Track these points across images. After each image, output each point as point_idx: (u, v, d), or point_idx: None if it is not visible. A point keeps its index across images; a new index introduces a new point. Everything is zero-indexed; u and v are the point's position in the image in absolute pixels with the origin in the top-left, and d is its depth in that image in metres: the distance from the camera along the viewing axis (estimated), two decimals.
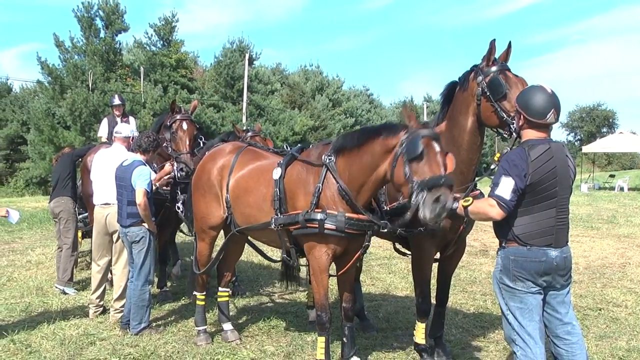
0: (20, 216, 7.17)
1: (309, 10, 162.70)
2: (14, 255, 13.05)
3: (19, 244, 14.95)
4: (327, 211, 5.39)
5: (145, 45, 44.36)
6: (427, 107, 67.75)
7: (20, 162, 45.00)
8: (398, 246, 6.55)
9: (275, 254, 7.71)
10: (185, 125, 8.47)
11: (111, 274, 8.29)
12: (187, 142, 8.39)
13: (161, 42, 43.89)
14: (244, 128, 9.91)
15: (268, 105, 48.81)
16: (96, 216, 8.03)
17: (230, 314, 7.42)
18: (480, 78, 5.39)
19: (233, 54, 47.77)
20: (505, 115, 5.20)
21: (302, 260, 6.34)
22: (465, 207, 4.52)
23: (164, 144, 8.44)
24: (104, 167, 7.97)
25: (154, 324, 7.51)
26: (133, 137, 8.15)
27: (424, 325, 6.21)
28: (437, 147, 4.85)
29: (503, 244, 4.45)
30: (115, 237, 7.80)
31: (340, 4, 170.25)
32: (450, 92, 5.83)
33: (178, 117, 8.55)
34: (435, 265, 6.35)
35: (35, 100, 46.55)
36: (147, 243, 7.26)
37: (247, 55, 45.45)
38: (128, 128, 8.42)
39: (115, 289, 7.90)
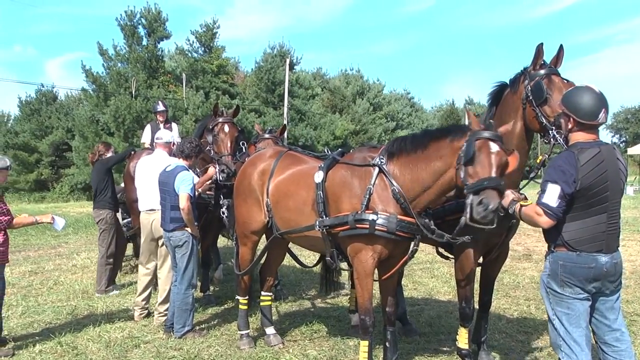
0: (66, 223, 7.30)
1: (349, 14, 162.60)
2: (60, 260, 13.29)
3: (64, 249, 15.22)
4: (379, 212, 5.36)
5: (187, 52, 44.81)
6: (468, 110, 67.17)
7: (66, 168, 45.68)
8: (441, 250, 6.50)
9: (313, 259, 7.73)
10: (226, 128, 8.54)
11: (157, 277, 8.37)
12: (229, 145, 8.45)
13: (202, 49, 44.26)
14: (269, 129, 9.86)
15: (309, 110, 48.86)
16: (142, 222, 8.16)
17: (273, 318, 7.43)
18: (526, 82, 5.35)
19: (274, 59, 47.92)
20: (545, 121, 5.16)
21: (343, 265, 6.32)
22: (521, 207, 4.48)
23: (207, 148, 8.53)
24: (147, 173, 8.10)
25: (198, 328, 7.57)
26: (174, 143, 8.23)
27: (467, 330, 6.17)
28: (493, 148, 4.83)
29: (552, 249, 4.36)
30: (160, 242, 7.90)
31: (381, 7, 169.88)
32: (499, 92, 5.76)
33: (220, 120, 8.62)
34: (478, 270, 6.30)
35: (79, 108, 47.40)
36: (190, 247, 7.33)
37: (287, 60, 45.58)
38: (169, 134, 8.52)
39: (160, 292, 7.99)
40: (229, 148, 8.43)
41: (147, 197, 8.09)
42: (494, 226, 4.79)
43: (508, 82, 5.69)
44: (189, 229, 7.31)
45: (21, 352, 6.89)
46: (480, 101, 75.50)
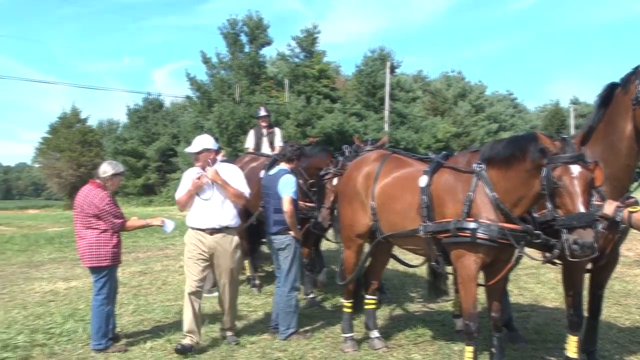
0: (175, 226, 7.50)
1: (450, 16, 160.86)
2: (167, 261, 13.70)
3: (172, 250, 15.67)
4: (480, 220, 5.32)
5: (288, 57, 45.45)
6: (574, 110, 64.75)
7: (171, 173, 47.18)
8: (548, 255, 6.34)
9: (416, 262, 7.68)
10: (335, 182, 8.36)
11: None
12: (332, 198, 8.38)
13: (303, 54, 44.76)
14: (369, 140, 9.81)
15: (410, 113, 48.64)
16: None
17: (377, 321, 7.43)
18: (637, 82, 5.13)
19: (374, 62, 47.98)
20: None
21: (449, 269, 6.27)
22: (630, 214, 4.30)
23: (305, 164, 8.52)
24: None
25: (302, 330, 7.64)
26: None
27: (576, 338, 5.96)
28: (574, 172, 4.73)
29: None
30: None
31: (483, 6, 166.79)
32: (609, 94, 5.52)
33: (332, 170, 8.52)
34: (587, 276, 6.11)
35: (184, 114, 48.99)
36: (292, 250, 7.43)
37: (388, 64, 45.48)
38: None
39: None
40: (331, 201, 8.36)
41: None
42: (596, 254, 4.75)
43: (619, 82, 5.49)
44: (291, 232, 7.41)
45: (133, 348, 7.18)
46: (586, 100, 73.09)
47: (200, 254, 7.16)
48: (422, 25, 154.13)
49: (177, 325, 7.93)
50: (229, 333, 7.47)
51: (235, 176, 7.32)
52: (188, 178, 7.27)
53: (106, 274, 7.06)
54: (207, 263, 7.25)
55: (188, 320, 7.06)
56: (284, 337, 7.32)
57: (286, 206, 7.25)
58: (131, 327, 8.10)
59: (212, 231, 7.12)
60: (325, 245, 11.68)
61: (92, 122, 62.04)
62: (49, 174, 57.88)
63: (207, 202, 7.08)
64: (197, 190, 7.07)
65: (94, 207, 6.95)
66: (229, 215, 7.21)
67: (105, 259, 6.97)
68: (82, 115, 58.03)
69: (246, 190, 7.34)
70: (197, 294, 7.17)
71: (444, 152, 6.37)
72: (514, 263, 5.69)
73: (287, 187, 7.31)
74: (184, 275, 11.43)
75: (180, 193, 7.25)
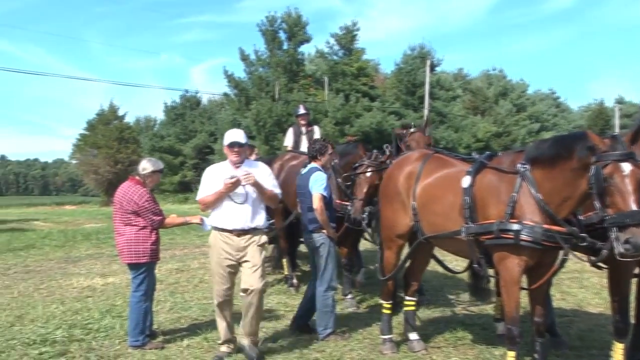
0: None
1: (492, 13, 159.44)
2: (204, 259, 13.68)
3: (208, 248, 15.64)
4: (524, 222, 5.20)
5: (326, 55, 45.39)
6: (619, 110, 63.24)
7: None
8: (593, 259, 6.17)
9: (460, 263, 7.56)
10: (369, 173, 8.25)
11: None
12: (365, 189, 8.21)
13: (342, 51, 44.67)
14: (411, 124, 9.61)
15: (450, 112, 48.27)
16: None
17: (416, 323, 7.32)
18: None
19: (414, 60, 47.71)
20: None
21: (491, 271, 6.14)
22: None
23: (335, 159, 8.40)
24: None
25: (339, 330, 7.54)
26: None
27: (622, 346, 5.78)
28: (626, 170, 4.63)
29: None
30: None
31: (526, 4, 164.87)
32: None
33: (366, 162, 8.28)
34: (634, 281, 5.94)
35: (222, 112, 49.27)
36: (327, 249, 7.37)
37: (428, 62, 45.13)
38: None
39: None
40: (364, 193, 8.21)
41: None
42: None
43: None
44: (325, 231, 7.35)
45: (170, 345, 7.20)
46: (632, 100, 71.72)
47: (226, 258, 6.72)
48: (462, 22, 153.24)
49: (213, 324, 7.86)
50: (246, 342, 6.71)
51: (266, 176, 6.82)
52: (212, 176, 6.73)
53: (144, 270, 7.09)
54: (234, 268, 6.84)
55: (223, 331, 6.86)
56: (322, 337, 7.26)
57: (316, 203, 7.21)
58: (168, 325, 8.12)
59: (240, 232, 6.64)
60: (363, 245, 11.58)
61: (130, 119, 62.94)
62: (85, 170, 58.84)
63: (240, 205, 6.59)
64: (229, 192, 6.51)
65: (133, 203, 6.97)
66: (258, 216, 6.74)
67: (144, 256, 7.00)
68: (120, 112, 58.87)
69: (278, 191, 6.93)
70: (226, 303, 6.86)
71: (488, 153, 6.24)
72: (558, 266, 5.53)
73: (316, 184, 7.28)
74: None
75: (204, 192, 6.68)
